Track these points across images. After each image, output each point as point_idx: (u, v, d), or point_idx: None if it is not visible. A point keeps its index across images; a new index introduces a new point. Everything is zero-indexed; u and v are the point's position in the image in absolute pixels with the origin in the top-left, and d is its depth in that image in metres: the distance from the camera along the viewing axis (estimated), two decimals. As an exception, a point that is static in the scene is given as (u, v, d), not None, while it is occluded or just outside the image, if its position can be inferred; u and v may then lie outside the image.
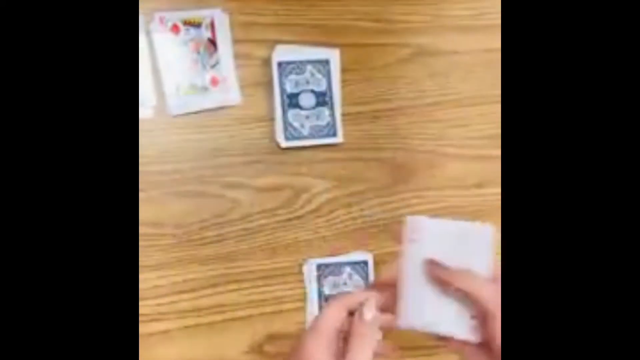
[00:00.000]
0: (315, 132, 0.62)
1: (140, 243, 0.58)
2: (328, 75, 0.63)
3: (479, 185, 0.65)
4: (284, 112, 0.62)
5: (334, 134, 0.63)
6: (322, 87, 0.63)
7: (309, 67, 0.63)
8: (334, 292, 0.61)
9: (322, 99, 0.63)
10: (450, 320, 0.44)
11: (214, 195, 0.60)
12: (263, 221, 0.61)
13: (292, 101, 0.62)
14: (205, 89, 0.60)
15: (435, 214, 0.64)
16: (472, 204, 0.65)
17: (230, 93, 0.61)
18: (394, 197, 0.64)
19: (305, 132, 0.62)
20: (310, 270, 0.60)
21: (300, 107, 0.62)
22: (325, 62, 0.63)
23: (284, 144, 0.61)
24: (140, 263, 0.57)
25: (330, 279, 0.61)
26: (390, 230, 0.63)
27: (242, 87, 0.61)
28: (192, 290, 0.59)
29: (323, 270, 0.61)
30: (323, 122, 0.63)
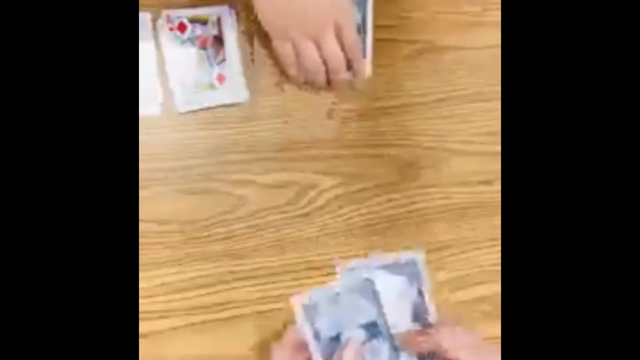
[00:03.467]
0: None
1: (147, 240, 0.58)
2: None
3: (485, 182, 0.65)
4: None
5: None
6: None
7: (316, 64, 0.62)
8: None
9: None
10: None
11: (221, 193, 0.60)
12: (270, 218, 0.61)
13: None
14: (211, 86, 0.61)
15: (441, 210, 0.64)
16: (478, 201, 0.65)
17: (236, 90, 0.61)
18: (400, 194, 0.64)
19: None
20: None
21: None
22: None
23: None
24: (147, 260, 0.58)
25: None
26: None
27: (248, 84, 0.61)
28: (200, 287, 0.59)
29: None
30: None
